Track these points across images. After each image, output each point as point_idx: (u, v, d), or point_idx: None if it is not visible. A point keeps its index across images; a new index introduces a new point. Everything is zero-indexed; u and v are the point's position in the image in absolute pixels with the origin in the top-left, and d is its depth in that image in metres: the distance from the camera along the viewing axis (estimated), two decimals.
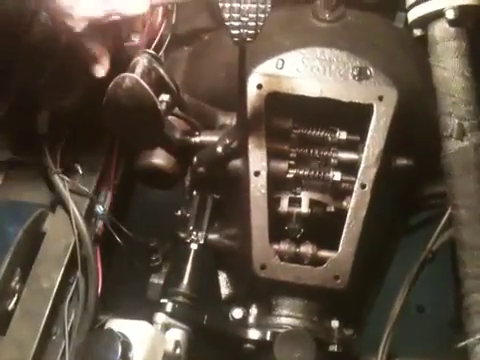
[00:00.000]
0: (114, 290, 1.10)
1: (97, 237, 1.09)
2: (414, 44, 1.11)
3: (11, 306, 0.98)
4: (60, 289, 1.00)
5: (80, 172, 1.10)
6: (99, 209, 1.10)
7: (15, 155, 1.13)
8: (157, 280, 1.16)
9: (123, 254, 1.13)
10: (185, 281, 1.09)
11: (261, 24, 0.80)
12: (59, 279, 1.00)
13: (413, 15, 1.08)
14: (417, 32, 1.10)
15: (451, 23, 1.03)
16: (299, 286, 0.99)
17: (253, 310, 1.06)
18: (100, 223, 1.11)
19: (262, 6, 0.80)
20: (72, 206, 1.04)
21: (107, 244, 1.11)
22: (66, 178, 1.08)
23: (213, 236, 1.13)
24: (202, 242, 1.11)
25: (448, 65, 1.04)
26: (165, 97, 0.93)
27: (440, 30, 1.05)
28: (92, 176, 1.10)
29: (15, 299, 0.99)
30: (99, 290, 1.03)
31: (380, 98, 0.98)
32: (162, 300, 1.05)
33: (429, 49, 1.07)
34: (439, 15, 1.04)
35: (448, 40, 1.04)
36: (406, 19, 1.12)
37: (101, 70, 0.98)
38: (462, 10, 1.03)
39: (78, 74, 0.98)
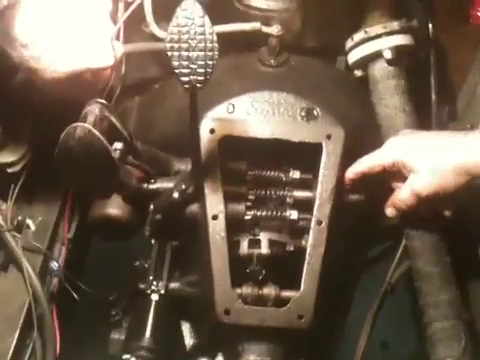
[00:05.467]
0: (74, 349, 1.06)
1: (53, 295, 1.07)
2: (356, 84, 1.16)
3: None
4: (16, 351, 0.96)
5: (32, 228, 1.07)
6: (54, 265, 1.06)
7: None
8: (118, 335, 1.12)
9: (81, 311, 1.09)
10: (147, 334, 1.06)
11: (210, 70, 0.82)
12: (14, 341, 0.96)
13: (353, 57, 1.14)
14: (358, 73, 1.16)
15: (389, 62, 1.10)
16: (264, 329, 0.97)
17: (219, 359, 1.03)
18: (55, 280, 1.07)
19: (210, 53, 0.82)
20: (25, 264, 1.01)
21: (64, 301, 1.08)
22: (18, 235, 1.05)
23: (174, 285, 1.11)
24: (163, 292, 1.09)
25: (390, 102, 1.09)
26: (118, 145, 0.93)
27: (380, 70, 1.11)
28: (45, 231, 1.08)
29: None
30: (57, 350, 0.99)
31: (328, 137, 1.01)
32: (124, 356, 1.02)
33: (370, 88, 1.12)
34: (378, 55, 1.10)
35: (388, 79, 1.10)
36: (346, 63, 1.17)
37: None
38: (399, 50, 1.09)
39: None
